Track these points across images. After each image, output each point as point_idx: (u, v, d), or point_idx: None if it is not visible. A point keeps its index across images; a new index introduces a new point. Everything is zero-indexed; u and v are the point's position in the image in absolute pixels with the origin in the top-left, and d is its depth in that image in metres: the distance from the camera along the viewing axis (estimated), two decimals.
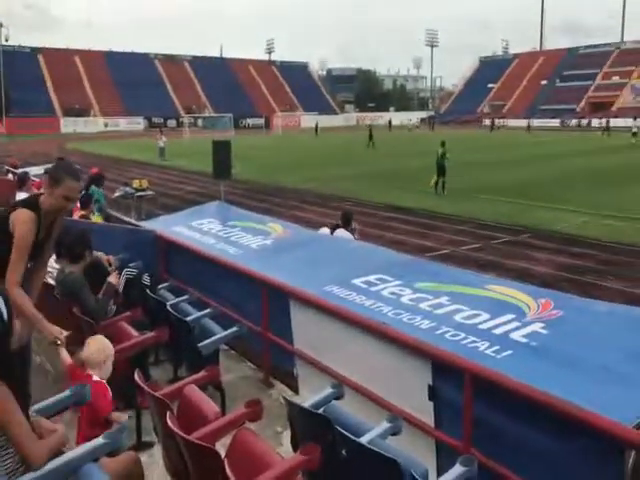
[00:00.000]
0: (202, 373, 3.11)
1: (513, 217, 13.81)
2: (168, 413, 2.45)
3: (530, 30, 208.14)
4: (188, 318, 4.06)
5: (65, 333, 3.12)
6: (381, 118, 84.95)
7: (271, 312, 4.55)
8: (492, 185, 18.90)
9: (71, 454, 2.07)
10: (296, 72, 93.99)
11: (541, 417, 2.75)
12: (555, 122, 67.39)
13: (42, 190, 4.33)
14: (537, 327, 3.69)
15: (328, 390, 3.08)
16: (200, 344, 3.70)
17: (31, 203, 3.07)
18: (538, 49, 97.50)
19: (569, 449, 2.69)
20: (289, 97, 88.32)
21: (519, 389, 2.80)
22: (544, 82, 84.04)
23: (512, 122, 69.17)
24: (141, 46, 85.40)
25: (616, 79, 77.44)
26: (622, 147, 34.08)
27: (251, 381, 4.37)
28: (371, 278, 4.71)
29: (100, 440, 2.17)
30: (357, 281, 4.66)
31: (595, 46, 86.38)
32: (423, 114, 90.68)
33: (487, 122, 76.65)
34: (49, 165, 12.85)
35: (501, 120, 63.62)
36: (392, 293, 4.43)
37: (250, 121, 74.85)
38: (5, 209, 3.23)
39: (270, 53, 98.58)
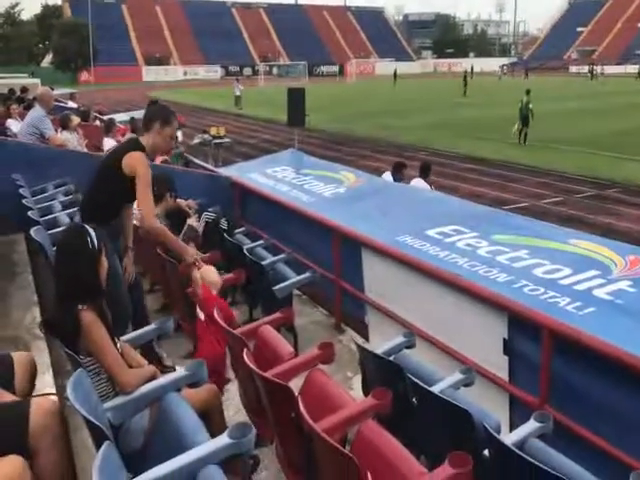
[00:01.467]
0: (277, 314, 3.19)
1: (600, 170, 12.96)
2: (245, 350, 2.53)
3: None
4: (263, 262, 4.15)
5: (201, 255, 3.42)
6: (460, 65, 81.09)
7: (343, 260, 4.57)
8: (575, 135, 17.75)
9: (156, 383, 2.20)
10: (372, 17, 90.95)
11: (624, 377, 2.63)
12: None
13: (136, 134, 4.54)
14: (624, 285, 3.50)
15: (400, 338, 3.08)
16: (275, 287, 3.78)
17: (138, 145, 3.24)
18: None
19: None
20: (364, 44, 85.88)
21: (602, 347, 2.68)
22: None
23: (613, 69, 63.97)
24: None
25: None
26: None
27: (323, 326, 4.45)
28: (446, 229, 4.61)
29: (183, 371, 2.29)
30: (431, 232, 4.57)
31: None
32: (505, 60, 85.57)
33: (575, 69, 71.50)
34: (134, 112, 13.33)
35: (599, 67, 58.87)
36: (468, 245, 4.32)
37: (324, 69, 73.72)
38: (115, 151, 3.44)
39: None
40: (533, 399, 2.99)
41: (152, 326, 2.73)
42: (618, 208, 10.13)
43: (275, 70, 66.20)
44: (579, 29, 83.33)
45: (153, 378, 2.25)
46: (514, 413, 3.22)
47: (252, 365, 2.39)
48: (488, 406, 2.85)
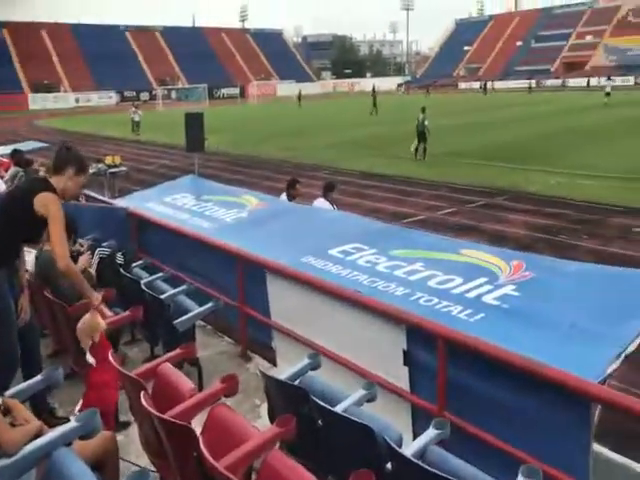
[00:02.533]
0: (177, 350, 3.11)
1: (489, 180, 13.89)
2: (142, 392, 2.45)
3: None
4: (163, 295, 4.04)
5: (100, 298, 3.39)
6: (358, 84, 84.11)
7: (247, 286, 4.54)
8: (470, 149, 18.94)
9: (43, 439, 2.07)
10: (271, 40, 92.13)
11: (510, 376, 2.82)
12: (524, 83, 67.30)
13: (42, 173, 4.31)
14: (509, 289, 3.74)
15: (305, 361, 3.11)
16: (176, 321, 3.69)
17: (50, 186, 3.18)
18: (513, 10, 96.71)
19: (538, 406, 2.77)
20: (264, 65, 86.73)
21: (489, 350, 2.86)
22: (519, 43, 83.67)
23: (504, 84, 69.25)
24: (110, 18, 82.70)
25: (589, 39, 77.41)
26: (594, 106, 34.26)
27: (229, 356, 4.39)
28: (347, 247, 4.72)
29: (73, 423, 2.17)
30: (333, 251, 4.66)
31: (568, 6, 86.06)
32: (400, 79, 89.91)
33: (464, 85, 76.61)
34: (17, 144, 12.56)
35: (491, 83, 63.70)
36: (368, 262, 4.44)
37: (225, 91, 73.52)
38: (24, 190, 3.33)
39: (244, 21, 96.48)
40: (432, 407, 3.12)
41: (39, 377, 2.57)
42: (506, 215, 10.87)
43: (174, 94, 65.09)
44: (466, 48, 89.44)
45: (40, 434, 2.11)
46: (416, 422, 3.33)
47: (150, 408, 2.31)
48: (392, 418, 2.94)
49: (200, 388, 3.26)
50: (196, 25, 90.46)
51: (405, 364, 3.40)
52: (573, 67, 74.31)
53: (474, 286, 3.84)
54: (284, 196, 6.74)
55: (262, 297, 4.44)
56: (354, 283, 4.02)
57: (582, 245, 8.85)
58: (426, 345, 3.27)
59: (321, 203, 6.57)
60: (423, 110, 18.07)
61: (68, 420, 2.87)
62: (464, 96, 56.99)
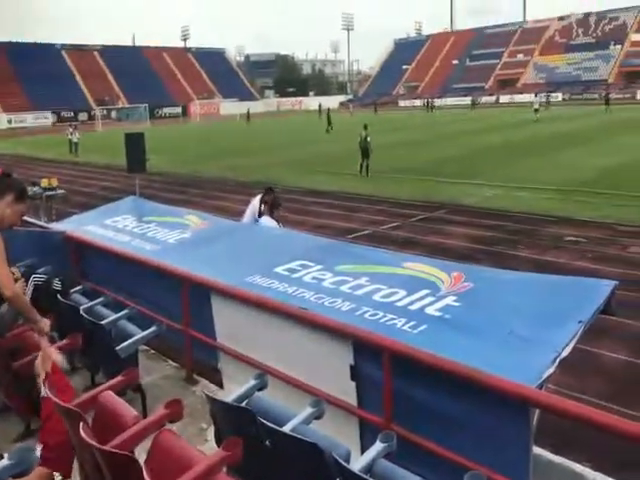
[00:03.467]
0: (119, 377, 3.01)
1: (430, 194, 14.30)
2: (82, 424, 2.35)
3: (441, 11, 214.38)
4: (104, 321, 3.91)
5: (49, 324, 3.27)
6: (302, 103, 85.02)
7: (192, 307, 4.47)
8: (412, 164, 19.45)
9: None
10: (213, 59, 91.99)
11: (452, 385, 2.89)
12: (464, 100, 69.99)
13: None
14: (450, 300, 3.84)
15: (251, 382, 3.08)
16: (117, 347, 3.58)
17: None
18: (449, 30, 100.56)
19: (480, 413, 2.85)
20: (207, 84, 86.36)
21: (432, 361, 2.92)
22: (455, 62, 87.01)
23: (449, 101, 71.73)
24: (45, 37, 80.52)
25: (520, 57, 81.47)
26: (527, 122, 35.95)
27: (174, 380, 4.29)
28: (293, 265, 4.73)
29: (5, 461, 2.06)
30: (279, 269, 4.65)
31: (500, 26, 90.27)
32: (342, 97, 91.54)
33: (403, 103, 78.71)
34: None
35: (436, 100, 66.09)
36: (314, 278, 4.46)
37: (167, 110, 72.70)
38: None
39: (185, 40, 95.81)
40: (379, 420, 3.15)
41: None
42: (446, 228, 11.20)
43: (114, 114, 63.74)
44: (404, 67, 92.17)
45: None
46: (364, 437, 3.35)
47: (89, 439, 2.23)
48: (340, 434, 2.94)
49: (144, 415, 3.17)
50: (136, 44, 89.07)
51: (352, 379, 3.43)
52: (506, 84, 77.92)
53: (417, 298, 3.92)
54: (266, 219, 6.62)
55: (207, 318, 4.37)
56: (300, 300, 4.03)
57: (519, 255, 9.22)
58: (372, 359, 3.31)
59: (266, 221, 6.55)
60: (365, 127, 18.42)
61: (1, 457, 2.73)
62: (409, 113, 58.68)
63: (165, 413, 2.59)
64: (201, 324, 4.41)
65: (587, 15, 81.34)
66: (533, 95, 48.73)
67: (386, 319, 3.68)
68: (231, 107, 72.01)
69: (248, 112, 54.28)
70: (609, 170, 16.65)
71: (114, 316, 4.07)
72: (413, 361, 3.04)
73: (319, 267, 4.63)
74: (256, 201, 6.74)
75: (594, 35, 77.58)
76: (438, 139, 28.31)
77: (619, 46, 73.22)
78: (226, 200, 14.96)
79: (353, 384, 3.42)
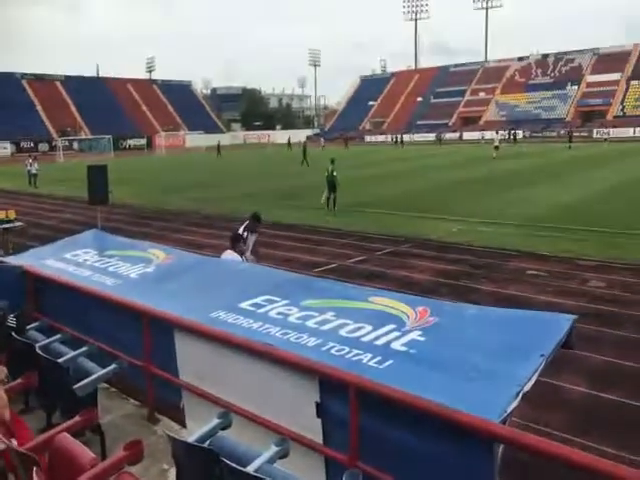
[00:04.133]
0: (77, 418, 2.91)
1: (395, 228, 14.49)
2: (35, 469, 2.25)
3: (405, 50, 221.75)
4: (61, 359, 3.79)
5: (5, 371, 3.06)
6: (269, 136, 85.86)
7: (154, 344, 4.37)
8: (379, 199, 19.75)
9: None
10: (179, 91, 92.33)
11: (417, 421, 2.89)
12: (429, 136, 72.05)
13: None
14: (415, 335, 3.87)
15: (214, 421, 3.01)
16: (75, 386, 3.45)
17: None
18: (413, 68, 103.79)
19: (444, 448, 2.85)
20: (172, 116, 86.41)
21: (397, 396, 2.92)
22: (420, 99, 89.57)
23: (416, 137, 73.56)
24: (5, 66, 79.39)
25: (482, 95, 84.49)
26: (489, 159, 37.09)
27: (135, 419, 4.16)
28: (258, 300, 4.69)
29: None
30: (244, 304, 4.61)
31: (463, 65, 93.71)
32: (309, 132, 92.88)
33: (369, 138, 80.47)
34: None
35: (405, 135, 68.03)
36: (279, 313, 4.43)
37: (131, 142, 72.30)
38: None
39: (151, 72, 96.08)
40: (345, 458, 3.11)
41: None
42: (412, 261, 11.33)
43: (76, 145, 62.96)
44: (370, 103, 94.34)
45: None
46: (330, 475, 3.30)
47: None
48: (306, 473, 2.90)
49: (103, 457, 3.05)
50: (100, 75, 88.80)
51: (318, 416, 3.39)
52: (469, 121, 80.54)
53: (383, 333, 3.93)
54: (230, 253, 6.57)
55: (170, 355, 4.28)
56: (266, 336, 3.99)
57: (482, 288, 9.37)
58: (338, 395, 3.28)
59: (230, 255, 6.51)
60: (332, 161, 18.61)
61: None
62: (379, 148, 59.97)
63: (124, 455, 2.51)
64: (164, 361, 4.31)
65: (545, 56, 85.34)
66: (494, 132, 50.47)
67: (352, 355, 3.67)
68: (197, 139, 72.11)
69: (219, 145, 54.24)
70: (568, 205, 17.25)
71: (72, 353, 3.94)
72: (379, 397, 3.03)
73: (285, 302, 4.61)
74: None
75: (552, 75, 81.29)
76: (405, 174, 28.94)
77: (576, 87, 76.86)
78: (192, 233, 14.82)
79: (319, 421, 3.38)
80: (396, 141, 65.22)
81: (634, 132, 62.61)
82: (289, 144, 60.46)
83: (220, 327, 4.12)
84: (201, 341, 4.10)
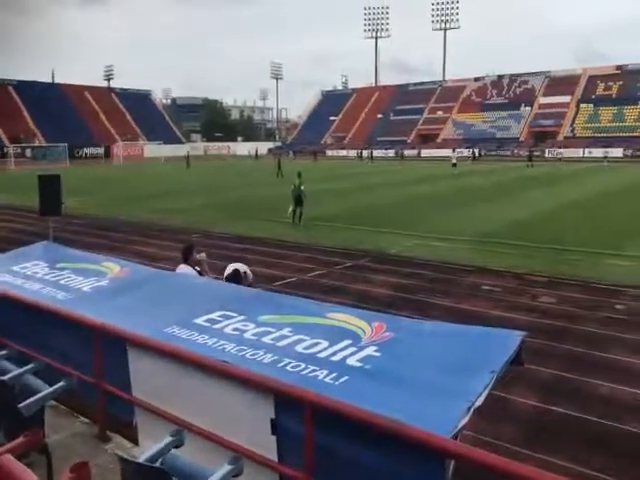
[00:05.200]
0: (20, 439, 2.79)
1: (356, 243, 14.62)
2: None
3: (364, 67, 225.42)
4: (6, 376, 3.64)
5: None
6: (229, 148, 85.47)
7: (106, 360, 4.26)
8: (342, 213, 19.90)
9: None
10: (138, 100, 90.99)
11: (371, 437, 2.91)
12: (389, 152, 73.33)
13: None
14: (371, 350, 3.90)
15: (167, 439, 2.96)
16: (21, 404, 3.33)
17: None
18: (374, 84, 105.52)
19: (397, 464, 2.88)
20: (131, 126, 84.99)
21: (351, 413, 2.94)
22: (380, 115, 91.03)
23: (377, 153, 74.46)
24: None
25: (440, 114, 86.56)
26: (447, 176, 37.94)
27: (85, 438, 4.03)
28: (214, 315, 4.64)
29: None
30: (199, 320, 4.56)
31: (422, 83, 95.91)
32: (270, 144, 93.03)
33: (330, 152, 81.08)
34: None
35: (368, 151, 69.04)
36: (235, 329, 4.40)
37: (88, 151, 70.68)
38: None
39: (109, 80, 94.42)
40: (300, 475, 3.10)
41: None
42: (371, 276, 11.44)
43: (29, 152, 61.09)
44: (332, 118, 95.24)
45: None
46: None
47: None
48: None
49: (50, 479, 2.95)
50: (56, 81, 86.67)
51: (273, 433, 3.37)
52: (427, 139, 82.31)
53: (339, 349, 3.95)
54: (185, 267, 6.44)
55: (122, 371, 4.17)
56: (221, 352, 3.95)
57: (438, 303, 9.54)
58: (294, 412, 3.27)
59: (185, 269, 6.41)
60: (299, 175, 18.55)
61: None
62: (345, 162, 60.56)
63: (70, 477, 2.42)
64: (116, 377, 4.21)
65: (500, 77, 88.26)
66: (451, 150, 51.81)
67: (308, 371, 3.67)
68: (156, 150, 71.09)
69: (188, 156, 53.24)
70: (523, 222, 17.80)
71: (18, 370, 3.79)
72: (334, 414, 3.04)
73: (241, 318, 4.58)
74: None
75: (507, 96, 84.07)
76: (368, 188, 29.30)
77: (529, 107, 79.70)
78: (150, 245, 14.58)
79: (274, 438, 3.36)
80: (361, 156, 66.10)
81: (583, 153, 65.27)
82: (256, 155, 60.47)
83: (174, 343, 4.06)
84: (155, 357, 4.03)
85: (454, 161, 41.95)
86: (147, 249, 13.97)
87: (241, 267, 6.52)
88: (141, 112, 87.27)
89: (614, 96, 74.94)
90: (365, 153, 67.27)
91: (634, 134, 67.82)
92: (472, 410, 3.06)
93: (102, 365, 4.25)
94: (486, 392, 3.22)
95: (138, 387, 4.17)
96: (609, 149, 62.91)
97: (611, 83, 76.96)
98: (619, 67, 78.89)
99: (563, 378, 6.60)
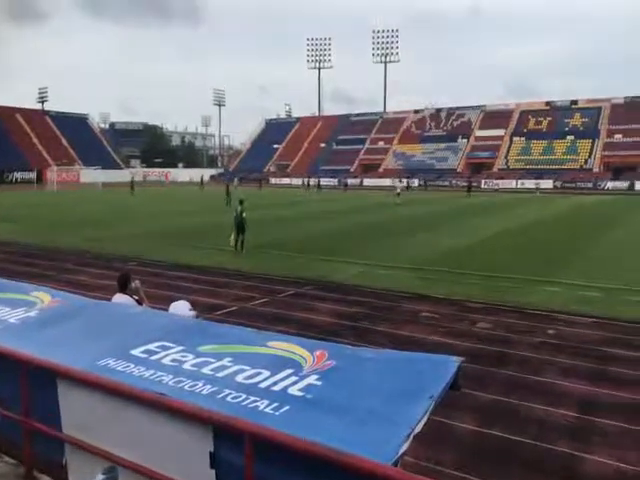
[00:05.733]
0: None
1: (299, 270, 14.62)
2: None
3: (307, 96, 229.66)
4: None
5: None
6: (170, 174, 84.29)
7: (34, 395, 4.04)
8: (287, 241, 19.90)
9: None
10: (74, 124, 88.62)
11: (312, 467, 2.89)
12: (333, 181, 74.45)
13: None
14: (312, 379, 3.89)
15: (99, 477, 2.82)
16: None
17: None
18: (317, 114, 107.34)
19: None
20: (66, 150, 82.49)
21: (292, 443, 2.91)
22: (323, 145, 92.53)
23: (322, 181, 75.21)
24: None
25: (381, 144, 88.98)
26: (390, 205, 38.82)
27: (9, 479, 3.78)
28: (152, 346, 4.50)
29: None
30: (136, 351, 4.41)
31: (364, 114, 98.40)
32: (212, 171, 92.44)
33: (274, 180, 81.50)
34: None
35: (315, 179, 69.72)
36: (174, 360, 4.28)
37: (19, 175, 67.92)
38: None
39: (43, 102, 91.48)
40: None
41: None
42: (314, 304, 11.45)
43: None
44: (275, 146, 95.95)
45: None
46: None
47: None
48: None
49: None
50: None
51: (212, 467, 3.28)
52: (369, 168, 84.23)
53: (280, 378, 3.92)
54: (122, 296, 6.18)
55: (52, 407, 3.96)
56: (158, 385, 3.83)
57: (380, 330, 9.64)
58: (233, 444, 3.21)
59: (121, 298, 6.21)
60: (241, 202, 18.44)
61: None
62: (291, 191, 60.93)
63: None
64: (44, 413, 3.99)
65: (439, 110, 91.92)
66: (397, 180, 53.34)
67: (248, 401, 3.61)
68: (93, 175, 69.08)
69: (132, 181, 51.80)
70: (459, 250, 18.37)
71: None
72: (275, 444, 3.00)
73: (180, 348, 4.47)
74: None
75: (445, 129, 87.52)
76: (312, 216, 29.54)
77: (466, 140, 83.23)
78: (85, 274, 14.03)
79: (212, 472, 3.27)
80: (308, 184, 66.77)
81: (516, 184, 68.53)
82: (202, 183, 59.78)
83: (108, 376, 3.90)
84: (87, 391, 3.85)
85: (398, 190, 42.95)
86: (81, 278, 13.44)
87: (184, 304, 6.35)
88: (78, 136, 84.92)
89: (544, 130, 79.54)
90: (313, 181, 67.94)
91: (563, 167, 72.03)
92: (412, 436, 3.10)
93: (29, 401, 4.02)
94: (425, 418, 3.26)
95: (69, 423, 3.97)
96: (540, 181, 66.41)
97: (541, 118, 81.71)
98: (548, 103, 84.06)
99: (500, 402, 6.79)
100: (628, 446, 5.71)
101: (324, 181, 75.46)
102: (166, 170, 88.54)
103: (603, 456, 5.51)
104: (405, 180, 60.73)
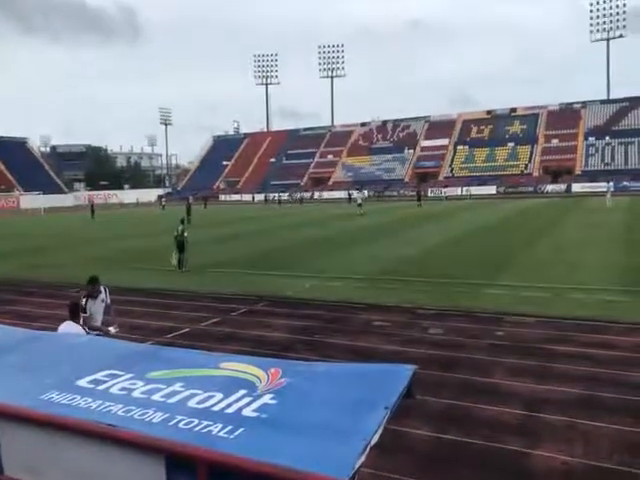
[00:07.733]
0: None
1: (250, 287, 14.51)
2: None
3: (256, 113, 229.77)
4: None
5: None
6: (116, 196, 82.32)
7: None
8: (234, 258, 19.69)
9: None
10: (12, 148, 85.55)
11: None
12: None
13: None
14: (267, 399, 3.84)
15: None
16: None
17: None
18: (265, 130, 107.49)
19: None
20: (4, 175, 79.34)
21: (247, 466, 2.86)
22: (272, 160, 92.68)
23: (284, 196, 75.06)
24: None
25: (330, 157, 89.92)
26: (343, 216, 39.13)
27: None
28: (99, 376, 4.34)
29: None
30: (82, 382, 4.24)
31: (312, 129, 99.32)
32: (160, 191, 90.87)
33: (223, 197, 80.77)
34: None
35: (278, 195, 69.63)
36: (122, 389, 4.14)
37: None
38: None
39: None
40: None
41: None
42: (267, 320, 11.37)
43: None
44: (224, 162, 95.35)
45: None
46: None
47: None
48: None
49: None
50: None
51: None
52: (319, 181, 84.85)
53: (234, 400, 3.85)
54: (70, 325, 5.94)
55: None
56: (106, 415, 3.69)
57: (335, 342, 9.66)
58: (187, 471, 3.13)
59: (69, 327, 6.00)
60: (182, 221, 18.33)
61: None
62: (249, 207, 60.55)
63: None
64: None
65: (385, 122, 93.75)
66: (356, 191, 53.99)
67: (201, 426, 3.53)
68: (34, 201, 66.59)
69: (92, 205, 50.00)
70: (409, 258, 18.69)
71: None
72: (231, 469, 2.94)
73: (129, 376, 4.33)
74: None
75: (391, 140, 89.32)
76: (262, 232, 29.39)
77: (412, 150, 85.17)
78: (26, 304, 13.44)
79: None
80: (266, 199, 66.85)
81: (461, 191, 70.55)
82: (162, 204, 58.65)
83: (53, 410, 3.74)
84: (30, 428, 3.68)
85: (360, 201, 42.81)
86: (22, 308, 12.87)
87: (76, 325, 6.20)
88: (16, 161, 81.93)
89: (486, 138, 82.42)
90: (274, 196, 68.11)
91: (505, 172, 74.70)
92: (368, 448, 3.10)
93: None
94: (381, 429, 3.28)
95: (11, 465, 3.77)
96: (484, 187, 68.69)
97: (483, 127, 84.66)
98: (489, 112, 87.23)
99: (453, 406, 6.91)
100: (574, 439, 5.93)
101: (275, 195, 75.62)
102: (112, 192, 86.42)
103: (551, 451, 5.70)
104: (365, 191, 61.62)
